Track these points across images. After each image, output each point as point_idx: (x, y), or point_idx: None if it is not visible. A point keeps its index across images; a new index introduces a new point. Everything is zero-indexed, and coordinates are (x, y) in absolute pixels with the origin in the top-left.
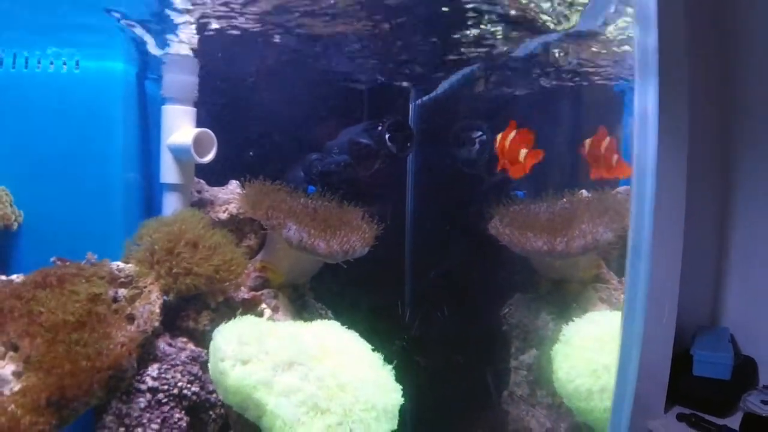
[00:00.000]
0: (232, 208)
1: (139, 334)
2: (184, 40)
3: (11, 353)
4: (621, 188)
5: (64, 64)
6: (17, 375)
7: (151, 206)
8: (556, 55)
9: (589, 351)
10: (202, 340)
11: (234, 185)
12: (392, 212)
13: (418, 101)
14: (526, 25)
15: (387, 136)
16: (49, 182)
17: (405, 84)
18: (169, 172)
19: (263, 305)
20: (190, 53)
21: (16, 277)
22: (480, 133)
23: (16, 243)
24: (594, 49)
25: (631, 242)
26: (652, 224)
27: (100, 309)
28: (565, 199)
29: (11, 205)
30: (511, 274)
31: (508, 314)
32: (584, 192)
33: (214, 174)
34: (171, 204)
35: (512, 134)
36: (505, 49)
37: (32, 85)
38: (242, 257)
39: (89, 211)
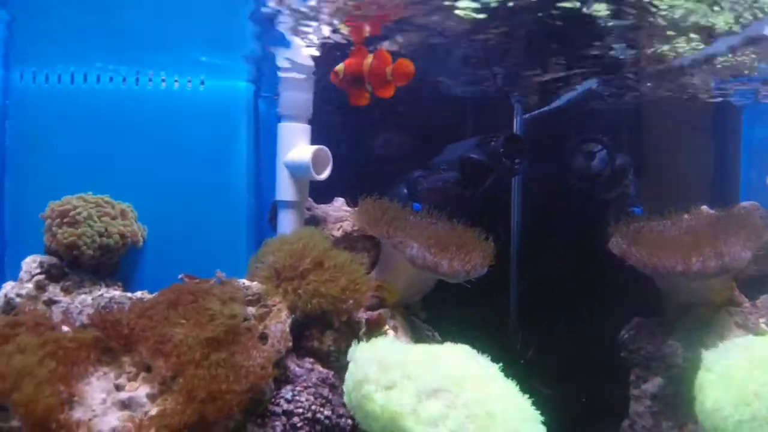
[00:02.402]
0: (346, 225)
1: (275, 354)
2: (302, 59)
3: (144, 374)
4: (744, 204)
5: (189, 81)
6: (152, 397)
7: (261, 224)
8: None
9: (738, 378)
10: (327, 361)
11: (340, 202)
12: (497, 231)
13: (526, 115)
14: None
15: (501, 151)
16: (171, 198)
17: (511, 98)
18: (285, 189)
19: (386, 326)
20: (307, 71)
21: (141, 294)
22: (600, 147)
23: (140, 259)
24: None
25: None
26: None
27: (237, 328)
28: (688, 216)
29: (136, 222)
30: (628, 297)
31: (628, 340)
32: (705, 208)
33: (312, 191)
34: (287, 221)
35: (368, 59)
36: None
37: (156, 103)
38: (367, 276)
39: (213, 228)
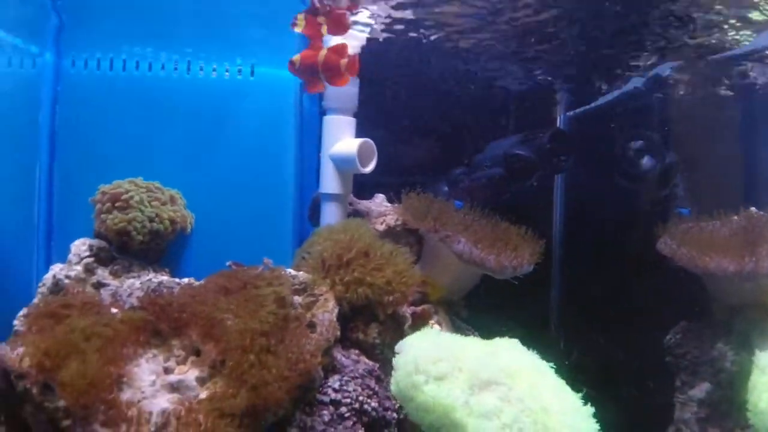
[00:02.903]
0: (390, 219)
1: (324, 342)
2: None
3: (193, 357)
4: None
5: (239, 70)
6: (201, 381)
7: (303, 216)
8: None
9: None
10: (372, 353)
11: (381, 198)
12: (540, 228)
13: (570, 113)
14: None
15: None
16: (219, 186)
17: (555, 94)
18: (330, 182)
19: (432, 321)
20: None
21: (188, 280)
22: (651, 145)
23: (187, 246)
24: None
25: None
26: None
27: (288, 314)
28: (737, 217)
29: (185, 208)
30: (674, 299)
31: (674, 344)
32: (754, 209)
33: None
34: (331, 214)
35: (323, 51)
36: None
37: (207, 91)
38: (414, 269)
39: (260, 217)
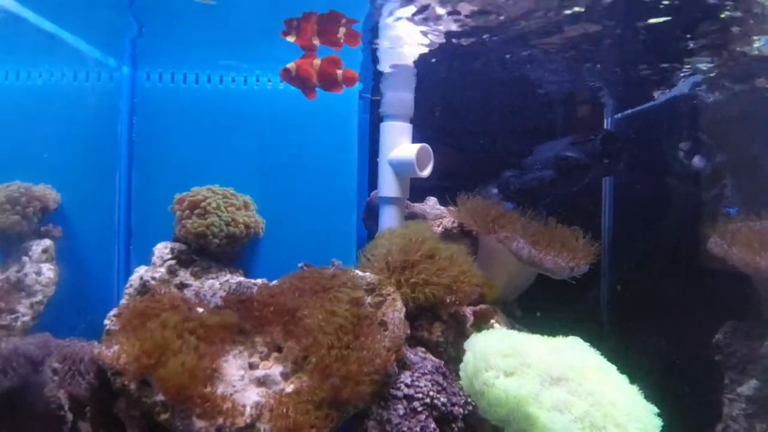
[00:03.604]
0: (446, 222)
1: (396, 340)
2: (406, 59)
3: (275, 354)
4: None
5: None
6: (285, 376)
7: (359, 218)
8: None
9: None
10: (436, 351)
11: (433, 201)
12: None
13: (618, 115)
14: None
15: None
16: (286, 192)
17: (602, 97)
18: (389, 186)
19: (493, 320)
20: (410, 71)
21: (261, 281)
22: (700, 145)
23: (258, 249)
24: None
25: None
26: None
27: (362, 313)
28: None
29: (257, 213)
30: (722, 299)
31: (723, 342)
32: None
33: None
34: (389, 217)
35: (316, 62)
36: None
37: (273, 101)
38: (477, 270)
39: (326, 221)
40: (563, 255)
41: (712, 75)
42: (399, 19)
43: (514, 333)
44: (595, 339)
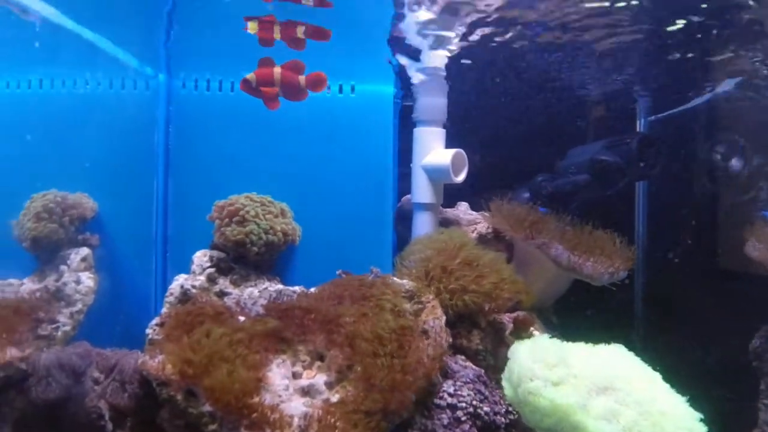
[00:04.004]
0: (481, 227)
1: (438, 348)
2: (438, 65)
3: (318, 363)
4: None
5: (340, 88)
6: (329, 385)
7: None
8: None
9: None
10: (475, 359)
11: (465, 206)
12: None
13: (651, 117)
14: None
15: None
16: (322, 199)
17: (635, 99)
18: (423, 191)
19: (532, 328)
20: (443, 77)
21: (299, 288)
22: (739, 149)
23: (295, 255)
24: None
25: None
26: None
27: (404, 322)
28: None
29: (293, 220)
30: (759, 303)
31: (760, 348)
32: None
33: None
34: (423, 223)
35: (277, 70)
36: None
37: (309, 109)
38: (517, 276)
39: (362, 228)
40: (602, 260)
41: (751, 77)
42: (425, 21)
43: (557, 341)
44: (630, 345)
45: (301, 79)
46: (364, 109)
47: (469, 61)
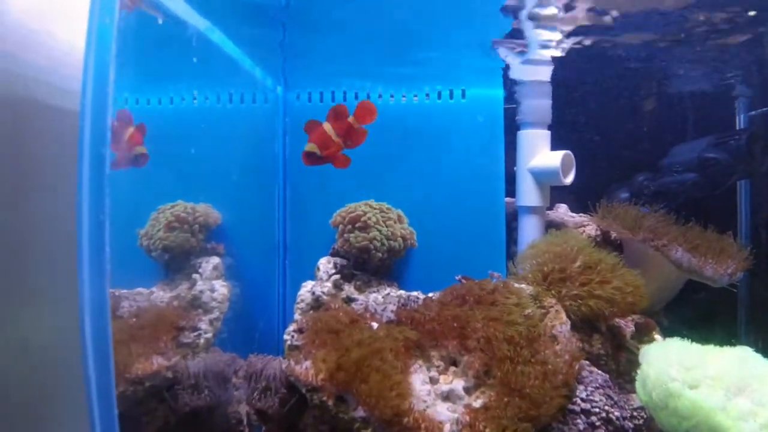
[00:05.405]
0: (589, 230)
1: (572, 353)
2: (543, 66)
3: (453, 368)
4: None
5: (451, 94)
6: (467, 390)
7: None
8: None
9: None
10: (597, 364)
11: (564, 208)
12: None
13: (752, 112)
14: None
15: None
16: (436, 204)
17: (734, 93)
18: (529, 194)
19: (654, 332)
20: (547, 78)
21: (417, 293)
22: None
23: (411, 260)
24: None
25: None
26: None
27: (534, 327)
28: None
29: (409, 225)
30: None
31: None
32: None
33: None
34: (530, 226)
35: (328, 127)
36: None
37: (421, 115)
38: (641, 280)
39: (475, 232)
40: (722, 262)
41: None
42: (535, 20)
43: (687, 345)
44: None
45: (350, 119)
46: (475, 114)
47: (572, 61)
